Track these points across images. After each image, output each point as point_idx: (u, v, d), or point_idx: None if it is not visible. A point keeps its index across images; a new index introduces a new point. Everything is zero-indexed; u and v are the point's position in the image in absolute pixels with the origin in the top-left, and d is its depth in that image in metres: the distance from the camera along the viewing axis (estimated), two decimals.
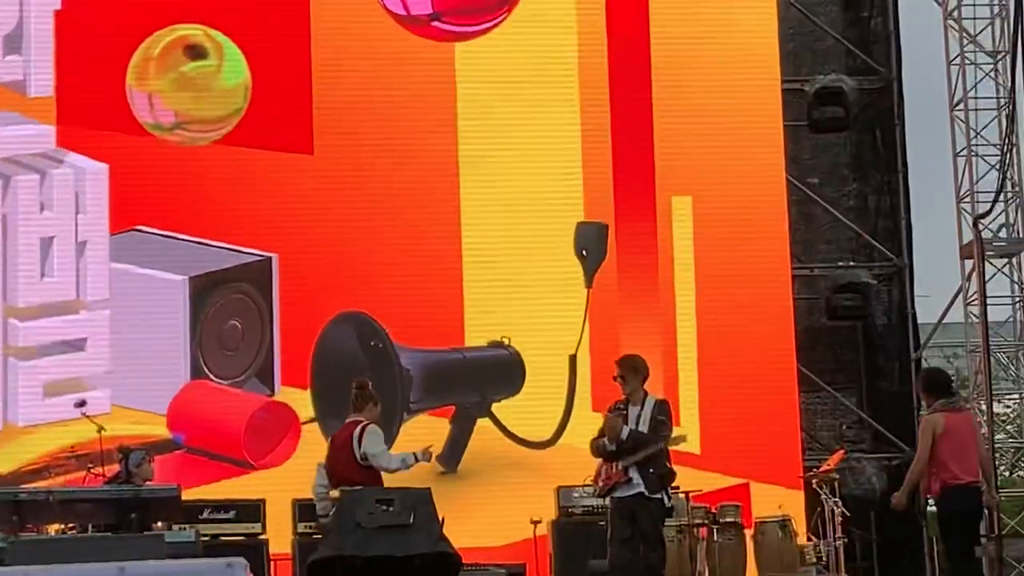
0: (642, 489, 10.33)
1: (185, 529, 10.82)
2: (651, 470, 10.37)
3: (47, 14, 15.15)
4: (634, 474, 10.36)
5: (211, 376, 14.96)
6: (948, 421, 9.26)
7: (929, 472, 9.37)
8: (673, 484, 11.02)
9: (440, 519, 9.19)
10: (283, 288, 15.10)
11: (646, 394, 10.61)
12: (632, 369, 10.60)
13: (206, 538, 11.54)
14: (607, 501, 10.67)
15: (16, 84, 15.12)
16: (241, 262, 15.09)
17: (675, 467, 10.86)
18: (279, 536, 13.14)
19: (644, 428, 10.42)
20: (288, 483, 13.91)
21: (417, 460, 10.38)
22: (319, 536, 11.64)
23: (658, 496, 10.39)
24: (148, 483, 11.47)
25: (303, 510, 13.04)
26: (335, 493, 10.20)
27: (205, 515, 12.55)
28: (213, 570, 7.75)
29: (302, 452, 14.80)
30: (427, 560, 8.88)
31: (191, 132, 15.24)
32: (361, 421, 10.57)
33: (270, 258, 15.10)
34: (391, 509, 8.78)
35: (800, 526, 13.98)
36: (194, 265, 15.03)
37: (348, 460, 10.31)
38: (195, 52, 15.28)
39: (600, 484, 10.60)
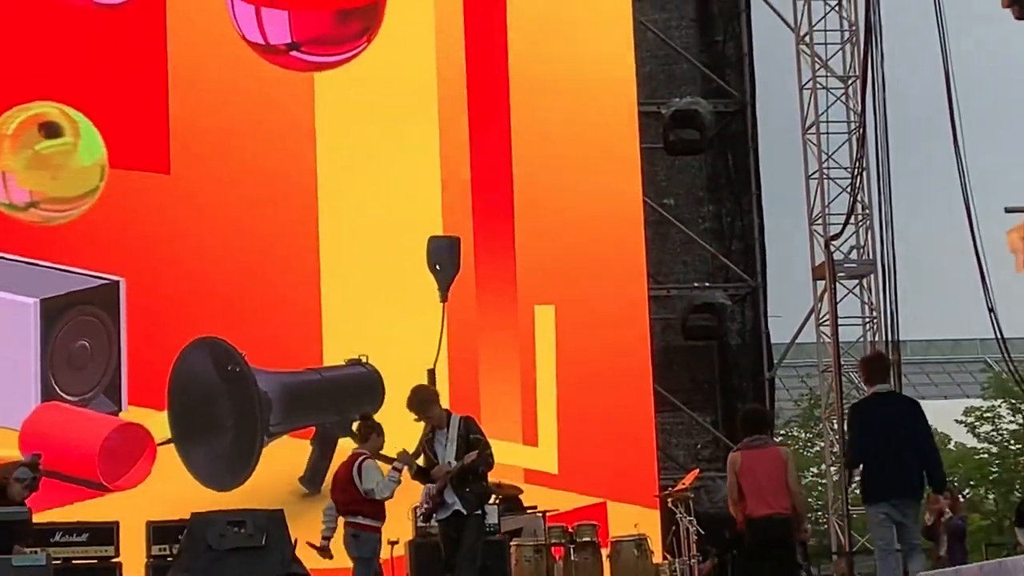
0: (459, 508, 10.31)
1: (36, 552, 10.65)
2: (467, 490, 10.34)
3: None
4: (449, 496, 10.34)
5: (60, 393, 14.80)
6: (745, 458, 9.68)
7: (738, 506, 9.79)
8: (528, 504, 11.00)
9: (293, 540, 9.14)
10: (134, 309, 14.98)
11: (449, 414, 10.52)
12: (421, 404, 10.46)
13: (57, 562, 11.36)
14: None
15: None
16: (90, 285, 14.96)
17: (532, 486, 10.88)
18: (133, 559, 12.98)
19: (453, 448, 10.33)
20: (143, 505, 13.76)
21: (401, 471, 10.41)
22: (173, 559, 11.54)
23: (478, 513, 10.39)
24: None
25: (157, 533, 12.89)
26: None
27: (57, 538, 12.35)
28: None
29: (157, 474, 14.69)
30: None
31: (46, 212, 15.00)
32: (363, 454, 10.59)
33: (117, 282, 14.99)
34: (243, 531, 8.71)
35: (656, 545, 14.07)
36: (45, 288, 14.85)
37: (354, 494, 10.42)
38: (50, 130, 15.06)
39: (424, 508, 10.62)
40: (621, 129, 16.10)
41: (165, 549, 12.39)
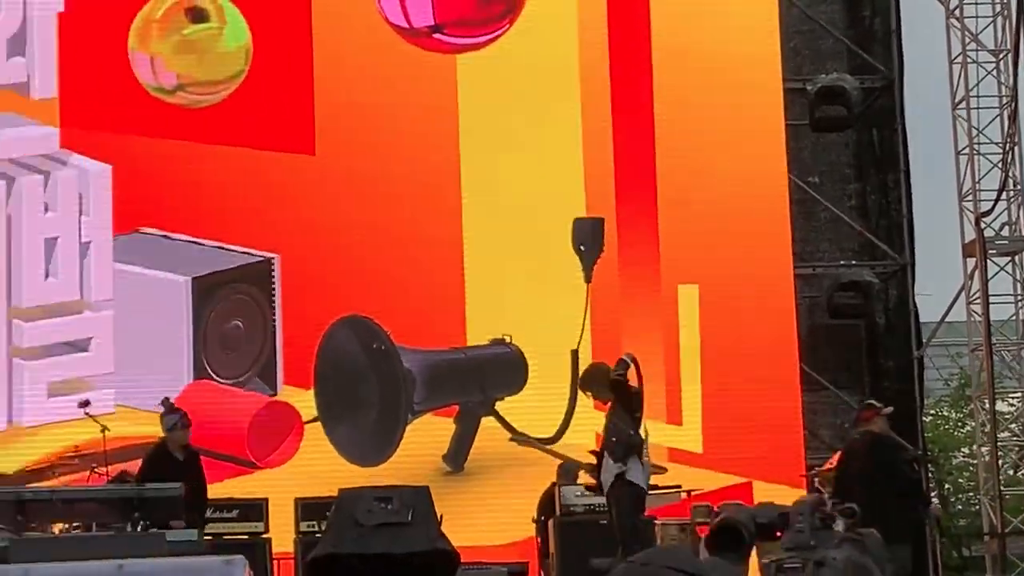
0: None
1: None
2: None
3: (50, 16, 15.20)
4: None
5: (214, 376, 15.00)
6: None
7: None
8: (673, 484, 11.08)
9: (438, 517, 9.20)
10: (285, 288, 15.14)
11: None
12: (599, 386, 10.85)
13: (209, 537, 11.57)
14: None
15: (20, 86, 15.18)
16: (243, 263, 15.14)
17: (677, 465, 11.00)
18: (282, 535, 13.19)
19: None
20: (291, 482, 13.98)
21: None
22: (321, 535, 11.66)
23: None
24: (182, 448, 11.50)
25: (305, 509, 13.10)
26: None
27: (208, 514, 12.57)
28: (211, 568, 7.79)
29: (304, 452, 14.87)
30: (425, 558, 8.89)
31: (193, 95, 15.30)
32: None
33: (271, 259, 15.15)
34: (390, 507, 8.79)
35: None
36: (197, 266, 15.07)
37: None
38: (196, 15, 15.34)
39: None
40: (766, 106, 15.98)
41: (313, 525, 12.59)
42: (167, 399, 11.71)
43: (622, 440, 10.81)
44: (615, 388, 10.93)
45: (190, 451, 11.83)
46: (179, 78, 15.30)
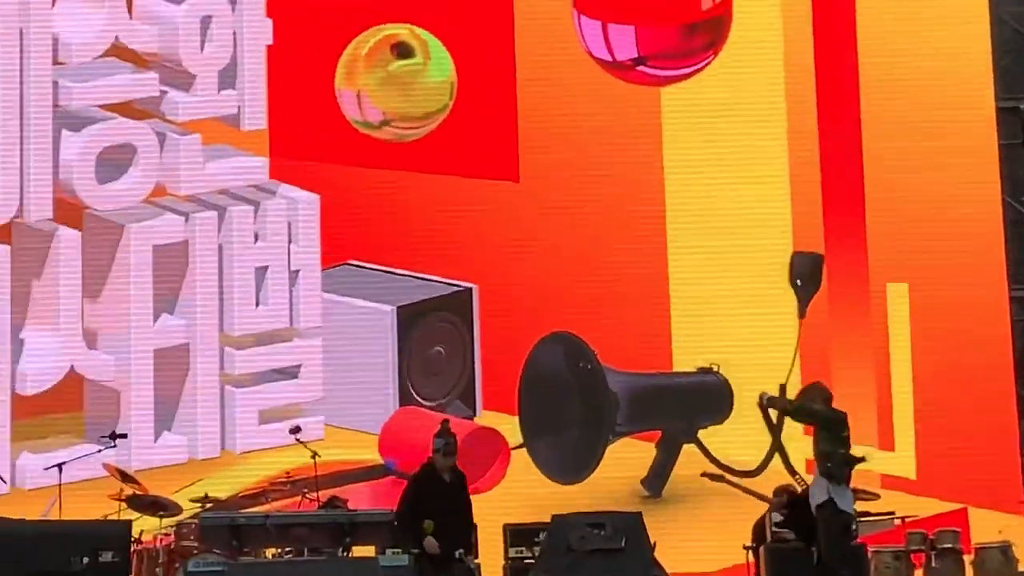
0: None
1: (398, 553, 10.90)
2: None
3: (260, 49, 15.49)
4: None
5: (417, 398, 15.14)
6: None
7: None
8: (887, 510, 10.91)
9: (652, 544, 9.16)
10: (486, 314, 15.25)
11: None
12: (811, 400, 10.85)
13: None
14: None
15: (230, 118, 15.47)
16: (444, 292, 15.28)
17: (890, 492, 10.84)
18: (490, 561, 13.19)
19: None
20: (498, 508, 13.97)
21: None
22: (531, 561, 11.67)
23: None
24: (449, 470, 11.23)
25: (514, 535, 13.09)
26: None
27: None
28: None
29: (511, 477, 14.89)
30: None
31: (398, 129, 15.48)
32: None
33: (470, 289, 15.27)
34: (603, 533, 8.75)
35: (1022, 552, 13.66)
36: (401, 295, 15.24)
37: None
38: (401, 51, 15.52)
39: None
40: (978, 127, 15.65)
41: (522, 551, 12.58)
42: (446, 421, 11.63)
43: (836, 463, 10.63)
44: (826, 411, 10.78)
45: (457, 473, 11.41)
46: (385, 113, 15.50)
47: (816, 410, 11.18)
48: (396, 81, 15.54)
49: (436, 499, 10.58)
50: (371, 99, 15.50)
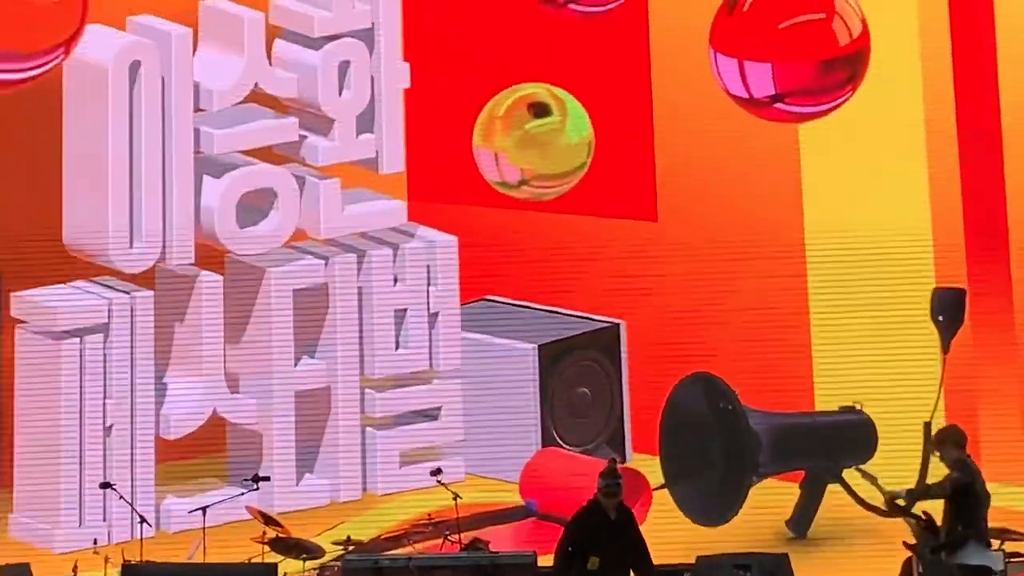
0: None
1: None
2: None
3: (396, 92, 15.60)
4: None
5: (562, 443, 15.08)
6: None
7: None
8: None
9: None
10: (632, 355, 15.16)
11: None
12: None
13: None
14: None
15: (369, 162, 15.60)
16: (589, 329, 15.22)
17: None
18: None
19: None
20: None
21: None
22: None
23: None
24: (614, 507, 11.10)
25: None
26: None
27: None
28: None
29: (653, 518, 14.78)
30: None
31: (536, 188, 15.50)
32: None
33: (618, 324, 15.20)
34: (749, 574, 8.65)
35: None
36: (543, 333, 15.22)
37: None
38: (539, 110, 15.55)
39: None
40: None
41: None
42: (613, 460, 11.56)
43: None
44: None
45: (623, 510, 11.28)
46: (523, 173, 15.53)
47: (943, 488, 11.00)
48: (534, 141, 15.57)
49: (597, 534, 10.51)
50: (509, 159, 15.55)
